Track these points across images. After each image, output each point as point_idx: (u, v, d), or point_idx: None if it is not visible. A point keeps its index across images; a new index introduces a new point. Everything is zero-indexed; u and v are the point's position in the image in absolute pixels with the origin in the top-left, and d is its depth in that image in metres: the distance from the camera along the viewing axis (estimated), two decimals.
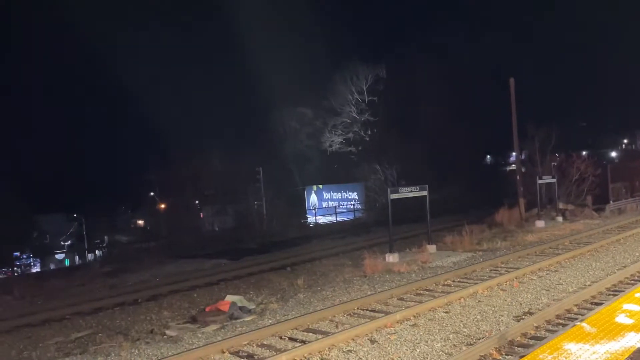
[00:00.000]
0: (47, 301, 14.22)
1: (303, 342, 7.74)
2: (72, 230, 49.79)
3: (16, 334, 10.82)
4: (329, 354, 7.13)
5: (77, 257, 42.45)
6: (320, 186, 42.86)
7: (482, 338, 7.33)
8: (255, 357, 7.32)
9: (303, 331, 8.45)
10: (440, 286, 11.22)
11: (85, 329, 10.76)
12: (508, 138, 26.07)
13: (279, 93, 39.01)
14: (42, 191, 43.97)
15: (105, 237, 42.95)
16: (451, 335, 7.61)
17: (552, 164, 27.85)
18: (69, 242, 48.92)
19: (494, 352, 6.67)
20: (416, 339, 7.50)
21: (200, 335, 8.80)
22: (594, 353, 5.61)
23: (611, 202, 26.53)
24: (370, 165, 39.00)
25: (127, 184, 46.64)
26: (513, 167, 34.70)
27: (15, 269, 27.65)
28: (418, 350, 7.03)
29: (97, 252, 37.12)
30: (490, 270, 12.68)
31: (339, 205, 39.47)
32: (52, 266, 33.88)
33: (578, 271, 11.76)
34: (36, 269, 32.52)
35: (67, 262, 40.26)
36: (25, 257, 33.64)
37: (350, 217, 36.72)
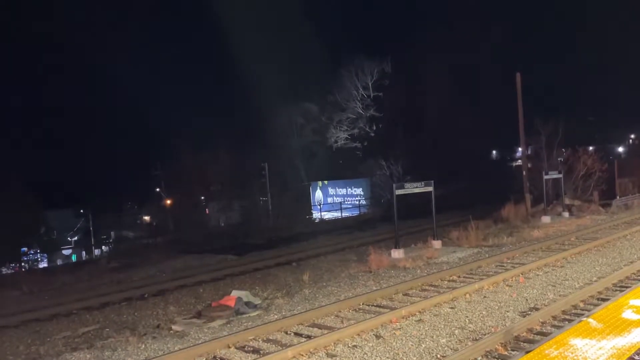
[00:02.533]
0: (55, 296, 14.31)
1: (309, 337, 7.77)
2: (79, 226, 50.12)
3: (24, 328, 10.91)
4: (334, 349, 7.15)
5: (84, 253, 42.74)
6: (326, 182, 42.87)
7: (488, 333, 7.33)
8: (261, 352, 7.34)
9: (309, 326, 8.48)
10: (446, 282, 11.22)
11: (92, 323, 10.83)
12: (514, 133, 25.97)
13: (285, 89, 39.02)
14: (49, 187, 44.25)
15: (112, 232, 43.27)
16: (457, 331, 7.61)
17: (559, 159, 27.71)
18: (76, 237, 49.23)
19: (500, 348, 6.67)
20: (421, 335, 7.50)
21: (206, 330, 8.85)
22: (600, 349, 5.59)
23: (618, 197, 26.36)
24: (375, 161, 38.95)
25: (133, 180, 46.89)
26: (519, 162, 34.54)
27: (23, 264, 27.87)
28: (423, 346, 7.04)
29: (103, 247, 37.40)
30: (496, 265, 12.66)
31: (344, 201, 39.49)
32: (59, 262, 34.04)
33: (584, 267, 11.71)
34: (44, 265, 32.75)
35: (74, 258, 40.50)
36: (32, 252, 33.88)
37: (356, 212, 36.74)
